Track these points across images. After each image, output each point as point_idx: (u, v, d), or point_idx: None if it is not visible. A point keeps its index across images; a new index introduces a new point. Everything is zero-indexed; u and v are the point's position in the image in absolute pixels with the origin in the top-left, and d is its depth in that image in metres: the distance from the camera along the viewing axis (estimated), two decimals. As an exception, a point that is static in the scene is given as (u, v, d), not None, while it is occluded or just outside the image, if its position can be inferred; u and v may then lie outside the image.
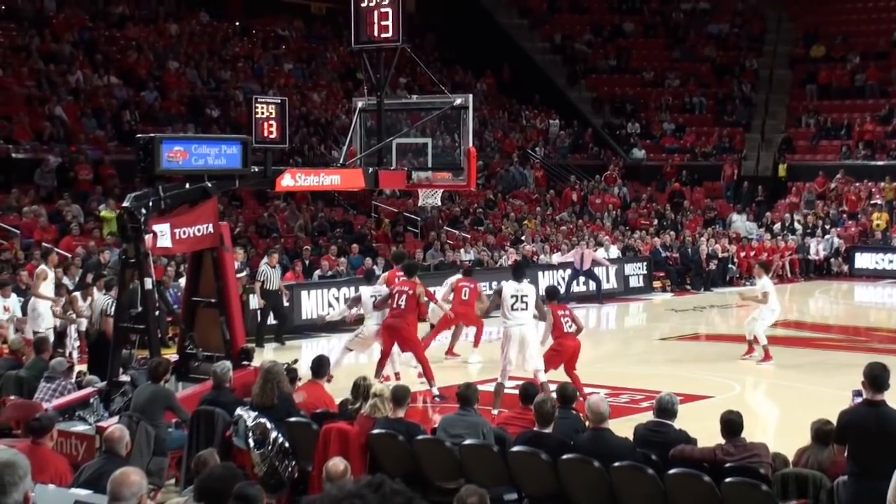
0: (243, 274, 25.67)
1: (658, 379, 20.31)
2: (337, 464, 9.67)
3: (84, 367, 18.43)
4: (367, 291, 20.35)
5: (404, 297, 19.45)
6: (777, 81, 52.41)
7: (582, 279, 33.90)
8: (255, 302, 26.22)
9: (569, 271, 33.72)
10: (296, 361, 15.77)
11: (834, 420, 10.37)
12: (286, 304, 26.87)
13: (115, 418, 13.76)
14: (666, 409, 11.62)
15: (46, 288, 22.59)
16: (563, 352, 18.42)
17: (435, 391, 19.03)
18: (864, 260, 40.53)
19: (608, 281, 34.69)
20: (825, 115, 49.59)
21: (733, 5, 56.20)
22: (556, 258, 34.74)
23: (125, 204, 15.10)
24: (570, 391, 12.47)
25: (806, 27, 54.03)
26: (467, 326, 23.37)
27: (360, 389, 12.88)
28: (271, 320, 26.44)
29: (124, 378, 15.17)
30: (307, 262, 30.27)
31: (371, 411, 12.12)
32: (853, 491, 10.21)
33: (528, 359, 17.78)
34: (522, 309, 17.90)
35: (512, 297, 17.87)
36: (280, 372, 13.15)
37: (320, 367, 14.27)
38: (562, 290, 33.08)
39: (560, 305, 19.14)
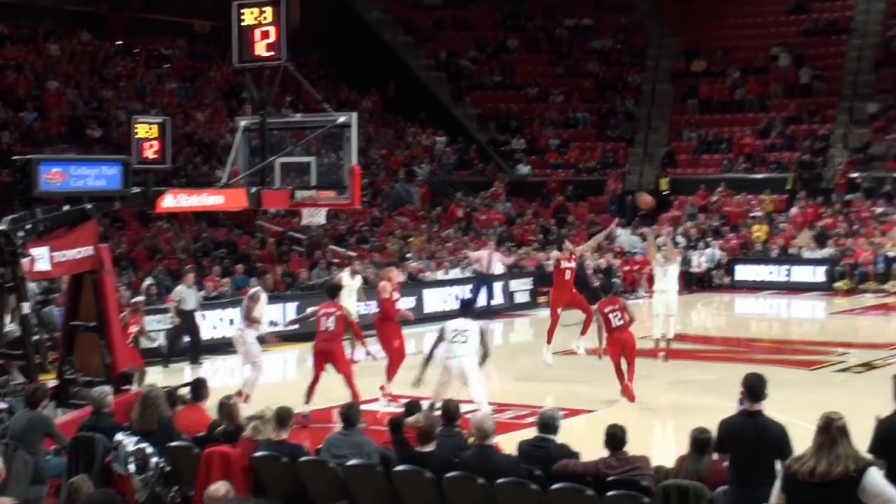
0: (139, 299, 25.45)
1: (543, 394, 20.42)
2: (218, 488, 9.58)
3: None
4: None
5: (332, 318, 19.37)
6: (659, 96, 52.99)
7: (470, 288, 34.18)
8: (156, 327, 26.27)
9: (457, 287, 34.00)
10: (182, 387, 15.65)
11: (713, 429, 10.51)
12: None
13: (-8, 446, 13.55)
14: (548, 424, 11.68)
15: None
16: (617, 347, 19.91)
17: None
18: (745, 271, 41.06)
19: (493, 296, 34.81)
20: (706, 129, 50.24)
21: (616, 21, 56.71)
22: (454, 272, 35.07)
23: (1, 227, 14.88)
24: (454, 408, 12.46)
25: (687, 43, 54.69)
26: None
27: (225, 410, 12.79)
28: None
29: (1, 405, 14.92)
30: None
31: (253, 433, 12.04)
32: (733, 500, 10.41)
33: (471, 391, 17.92)
34: (462, 342, 17.98)
35: (453, 330, 17.97)
36: (159, 396, 13.03)
37: (199, 389, 14.14)
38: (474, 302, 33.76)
39: (609, 300, 20.39)
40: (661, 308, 23.70)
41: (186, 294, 26.22)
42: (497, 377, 25.55)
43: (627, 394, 20.18)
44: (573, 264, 23.22)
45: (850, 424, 9.55)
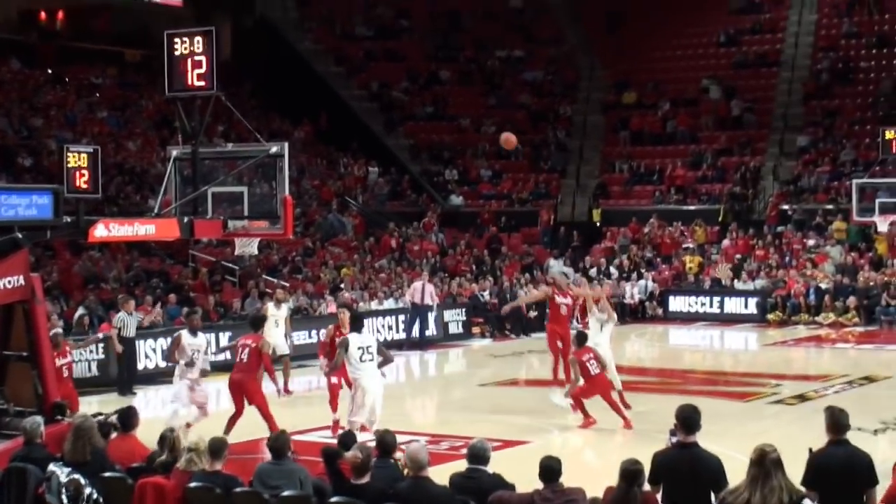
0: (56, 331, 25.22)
1: (478, 425, 20.36)
2: None
3: None
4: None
5: (247, 350, 19.32)
6: (591, 128, 53.31)
7: (403, 318, 34.21)
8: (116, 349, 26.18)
9: (401, 316, 34.08)
10: (109, 416, 15.49)
11: (644, 460, 10.49)
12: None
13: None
14: (479, 455, 11.61)
15: None
16: (595, 391, 20.50)
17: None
18: (677, 303, 41.22)
19: (427, 327, 34.80)
20: (638, 161, 50.53)
21: (546, 53, 57.05)
22: (387, 302, 35.08)
23: (-69, 257, 14.71)
24: (390, 439, 12.38)
25: (617, 75, 55.09)
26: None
27: (167, 442, 12.67)
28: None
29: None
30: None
31: (187, 465, 11.92)
32: (667, 532, 10.38)
33: (375, 409, 18.03)
34: (370, 360, 18.10)
35: (358, 349, 18.03)
36: (92, 427, 12.89)
37: (129, 418, 13.99)
38: (405, 335, 33.72)
39: (584, 350, 20.68)
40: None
41: (127, 321, 26.21)
42: (432, 408, 25.61)
43: (628, 424, 20.67)
44: (568, 300, 23.12)
45: (783, 456, 9.62)
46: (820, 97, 50.28)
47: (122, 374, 26.38)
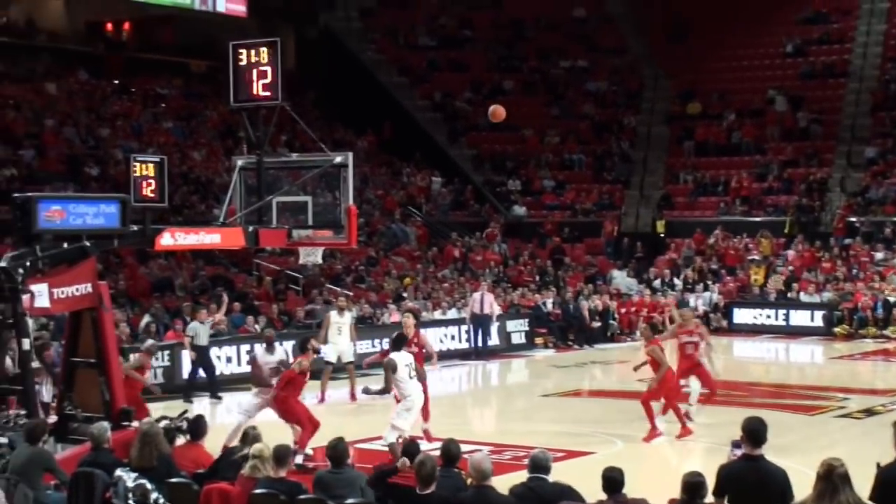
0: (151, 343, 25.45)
1: (540, 436, 20.36)
2: None
3: None
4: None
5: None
6: (655, 138, 53.11)
7: (465, 328, 34.22)
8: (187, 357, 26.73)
9: (464, 326, 34.18)
10: (184, 413, 15.61)
11: (706, 473, 10.42)
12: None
13: (-7, 481, 13.51)
14: (540, 465, 11.57)
15: None
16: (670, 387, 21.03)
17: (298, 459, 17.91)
18: (742, 315, 40.91)
19: (490, 337, 34.76)
20: (703, 172, 50.26)
21: (611, 63, 56.92)
22: (450, 312, 35.11)
23: (1, 264, 14.87)
24: (454, 449, 12.38)
25: (682, 85, 54.90)
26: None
27: (249, 438, 12.76)
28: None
29: (1, 440, 14.88)
30: (188, 321, 29.89)
31: (251, 472, 11.99)
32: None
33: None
34: (415, 376, 18.08)
35: (406, 366, 18.02)
36: (158, 433, 13.00)
37: (198, 427, 14.08)
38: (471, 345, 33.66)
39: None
40: None
41: (199, 330, 26.52)
42: (494, 418, 25.60)
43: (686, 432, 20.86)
44: (696, 338, 22.76)
45: (850, 471, 9.51)
46: (888, 108, 49.77)
47: (192, 381, 26.68)
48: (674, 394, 21.15)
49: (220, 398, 26.36)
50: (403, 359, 18.21)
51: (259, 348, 20.02)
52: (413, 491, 11.45)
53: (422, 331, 22.15)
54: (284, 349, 21.51)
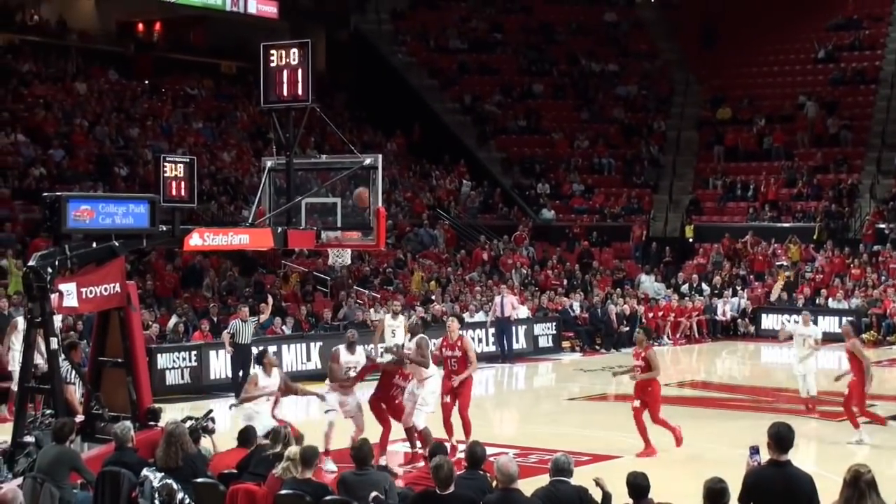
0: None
1: (567, 439, 20.31)
2: None
3: None
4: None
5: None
6: (684, 143, 53.05)
7: (491, 332, 34.19)
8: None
9: (492, 329, 34.13)
10: (209, 413, 15.64)
11: (732, 479, 10.37)
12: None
13: (19, 480, 13.56)
14: (562, 469, 11.61)
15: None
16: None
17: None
18: (770, 321, 40.73)
19: (518, 341, 34.76)
20: (732, 177, 50.17)
21: (641, 67, 56.87)
22: (478, 315, 35.05)
23: (31, 263, 14.93)
24: (480, 452, 12.37)
25: (713, 90, 54.85)
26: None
27: (280, 436, 12.78)
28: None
29: (29, 439, 14.95)
30: (215, 321, 29.99)
31: (283, 473, 12.00)
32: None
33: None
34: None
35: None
36: (183, 433, 13.04)
37: (249, 437, 14.11)
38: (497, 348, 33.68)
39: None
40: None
41: (241, 328, 26.57)
42: (520, 421, 25.56)
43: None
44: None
45: (877, 477, 9.47)
46: (919, 115, 49.66)
47: (235, 379, 26.56)
48: (656, 406, 20.31)
49: None
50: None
51: (341, 348, 19.76)
52: (434, 492, 11.46)
53: (465, 335, 21.71)
54: (365, 349, 21.34)
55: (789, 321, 39.60)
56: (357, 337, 20.39)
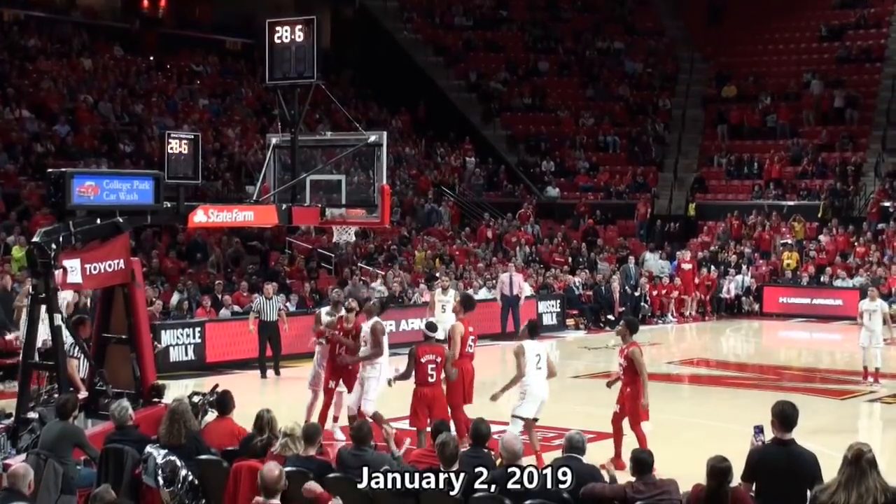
0: None
1: (571, 417, 20.30)
2: (272, 469, 9.90)
3: None
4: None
5: (434, 366, 17.79)
6: (690, 121, 53.01)
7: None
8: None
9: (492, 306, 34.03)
10: (215, 388, 15.63)
11: (732, 457, 10.38)
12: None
13: (23, 456, 13.58)
14: (576, 446, 11.64)
15: None
16: None
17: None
18: (774, 299, 40.78)
19: (521, 318, 34.73)
20: (737, 155, 50.12)
21: (647, 45, 56.83)
22: (482, 292, 34.95)
23: (35, 239, 14.92)
24: (484, 429, 12.36)
25: (718, 68, 54.79)
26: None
27: (264, 421, 12.77)
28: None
29: (32, 415, 14.96)
30: (219, 298, 29.96)
31: (282, 449, 12.04)
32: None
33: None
34: (542, 368, 17.73)
35: (536, 355, 17.61)
36: (186, 410, 13.02)
37: (225, 402, 14.10)
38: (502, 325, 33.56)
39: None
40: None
41: (266, 305, 26.64)
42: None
43: None
44: None
45: (878, 455, 9.46)
46: (925, 93, 49.55)
47: (262, 356, 26.80)
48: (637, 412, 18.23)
49: (279, 374, 26.67)
50: (534, 348, 17.75)
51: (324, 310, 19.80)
52: (439, 470, 11.47)
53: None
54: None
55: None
56: (342, 297, 20.47)
